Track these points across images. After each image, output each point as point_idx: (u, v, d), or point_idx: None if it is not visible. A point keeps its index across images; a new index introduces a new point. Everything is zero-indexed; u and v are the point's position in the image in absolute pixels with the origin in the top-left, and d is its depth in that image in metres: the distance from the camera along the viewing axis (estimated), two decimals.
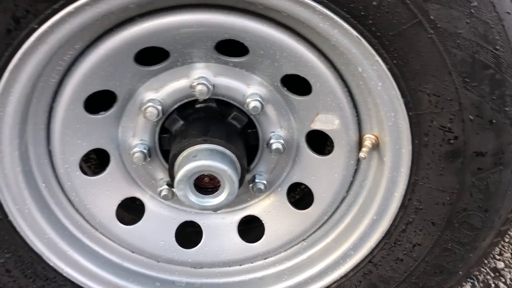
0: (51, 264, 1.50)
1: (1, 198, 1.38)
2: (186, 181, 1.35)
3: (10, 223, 1.42)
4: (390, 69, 1.22)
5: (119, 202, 1.56)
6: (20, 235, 1.44)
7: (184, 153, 1.36)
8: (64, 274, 1.53)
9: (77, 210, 1.54)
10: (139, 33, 1.27)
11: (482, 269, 2.24)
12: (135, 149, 1.46)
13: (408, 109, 1.26)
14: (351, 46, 1.22)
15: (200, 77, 1.37)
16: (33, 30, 1.15)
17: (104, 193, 1.52)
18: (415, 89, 1.23)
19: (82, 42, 1.28)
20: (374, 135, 1.39)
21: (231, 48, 1.36)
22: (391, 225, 1.44)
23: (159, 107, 1.39)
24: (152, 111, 1.38)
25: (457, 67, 1.18)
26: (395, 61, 1.21)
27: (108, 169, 1.51)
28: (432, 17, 1.14)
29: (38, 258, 1.49)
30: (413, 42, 1.17)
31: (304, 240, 1.60)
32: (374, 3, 1.13)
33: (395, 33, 1.17)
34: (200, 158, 1.32)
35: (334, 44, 1.24)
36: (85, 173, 1.51)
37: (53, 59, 1.27)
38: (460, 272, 1.47)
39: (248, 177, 1.54)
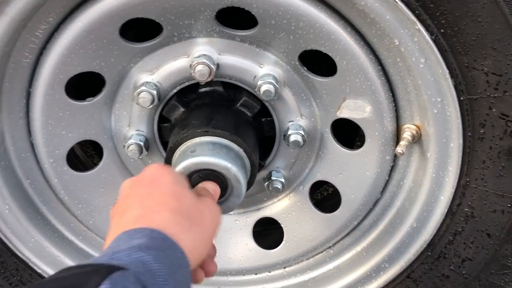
0: (39, 271, 1.43)
1: None
2: None
3: None
4: (435, 41, 1.10)
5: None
6: (0, 239, 1.38)
7: (182, 147, 1.22)
8: None
9: (68, 210, 1.45)
10: (121, 1, 1.14)
11: None
12: (130, 141, 1.34)
13: (458, 92, 1.15)
14: (384, 12, 1.09)
15: (201, 55, 1.23)
16: None
17: (98, 190, 1.42)
18: (468, 66, 1.11)
19: (56, 14, 1.17)
20: (415, 125, 1.29)
21: (242, 21, 1.22)
22: (435, 235, 1.33)
23: (154, 92, 1.26)
24: (146, 97, 1.25)
25: None
26: (442, 30, 1.08)
27: (101, 164, 1.41)
28: None
29: (23, 265, 1.42)
30: (468, 3, 1.03)
31: (330, 247, 1.49)
32: None
33: None
34: (199, 153, 1.18)
35: (362, 9, 1.10)
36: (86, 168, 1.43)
37: (22, 35, 1.18)
38: None
39: (263, 173, 1.42)
